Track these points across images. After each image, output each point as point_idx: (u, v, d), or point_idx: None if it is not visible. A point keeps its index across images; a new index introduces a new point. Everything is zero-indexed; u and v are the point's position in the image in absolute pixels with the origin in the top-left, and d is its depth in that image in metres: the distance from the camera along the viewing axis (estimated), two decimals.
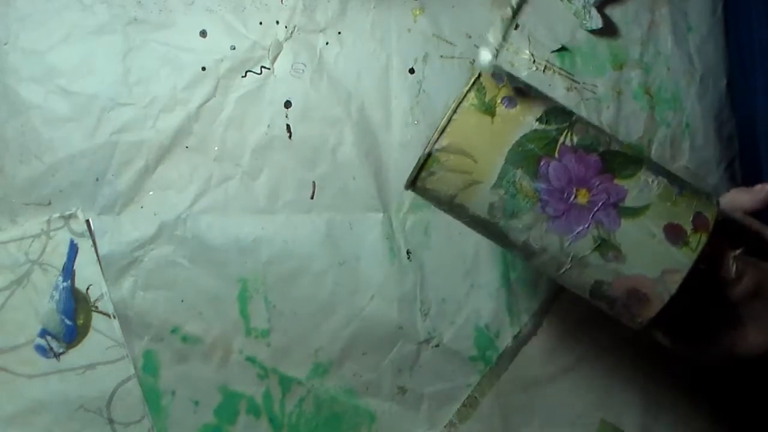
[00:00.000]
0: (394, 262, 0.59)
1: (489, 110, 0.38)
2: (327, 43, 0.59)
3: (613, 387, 0.60)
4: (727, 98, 0.66)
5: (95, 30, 0.56)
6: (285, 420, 0.57)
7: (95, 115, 0.55)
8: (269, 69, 0.58)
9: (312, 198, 0.58)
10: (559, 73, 0.63)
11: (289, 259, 0.57)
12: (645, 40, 0.65)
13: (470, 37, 0.62)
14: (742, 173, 0.66)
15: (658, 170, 0.39)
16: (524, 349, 0.60)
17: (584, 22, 0.63)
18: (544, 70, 0.63)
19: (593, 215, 0.37)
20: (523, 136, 0.37)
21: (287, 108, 0.58)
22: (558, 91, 0.63)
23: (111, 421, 0.54)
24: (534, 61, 0.62)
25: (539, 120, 0.38)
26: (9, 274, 0.54)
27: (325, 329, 0.58)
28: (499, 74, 0.39)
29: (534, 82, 0.62)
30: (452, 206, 0.40)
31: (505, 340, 0.60)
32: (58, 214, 0.55)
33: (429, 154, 0.39)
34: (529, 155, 0.37)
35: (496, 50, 0.40)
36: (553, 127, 0.38)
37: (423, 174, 0.39)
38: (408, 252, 0.59)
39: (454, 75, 0.61)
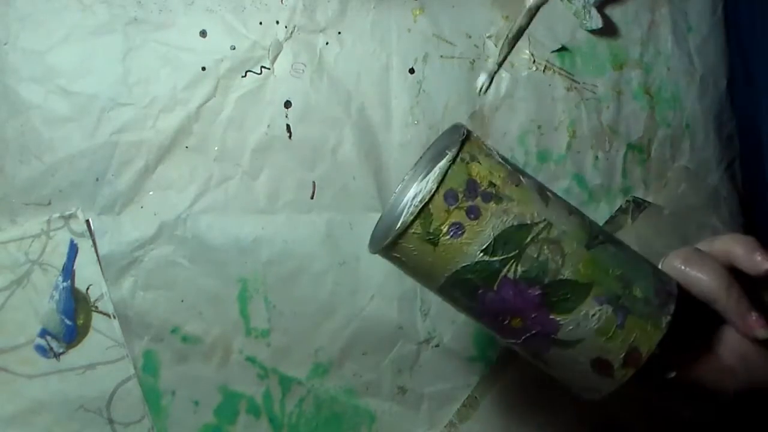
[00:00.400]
0: None
1: (432, 240, 0.36)
2: (327, 43, 0.59)
3: None
4: (727, 98, 0.66)
5: (95, 30, 0.56)
6: (285, 420, 0.57)
7: (95, 115, 0.55)
8: (269, 69, 0.58)
9: (312, 198, 0.58)
10: (559, 73, 0.63)
11: (289, 259, 0.57)
12: (645, 40, 0.65)
13: (470, 37, 0.62)
14: (742, 173, 0.66)
15: (612, 293, 0.37)
16: None
17: (584, 22, 0.63)
18: (544, 70, 0.63)
19: (524, 338, 0.37)
20: (464, 266, 0.36)
21: (287, 108, 0.58)
22: (558, 91, 0.63)
23: (111, 421, 0.54)
24: (534, 61, 0.62)
25: (485, 250, 0.36)
26: (9, 274, 0.54)
27: (325, 329, 0.58)
28: (453, 193, 0.36)
29: (534, 82, 0.62)
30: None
31: None
32: (58, 214, 0.55)
33: (381, 252, 0.38)
34: (466, 283, 0.37)
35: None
36: (498, 257, 0.36)
37: (384, 256, 0.39)
38: None
39: (454, 75, 0.61)
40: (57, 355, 0.54)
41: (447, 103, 0.60)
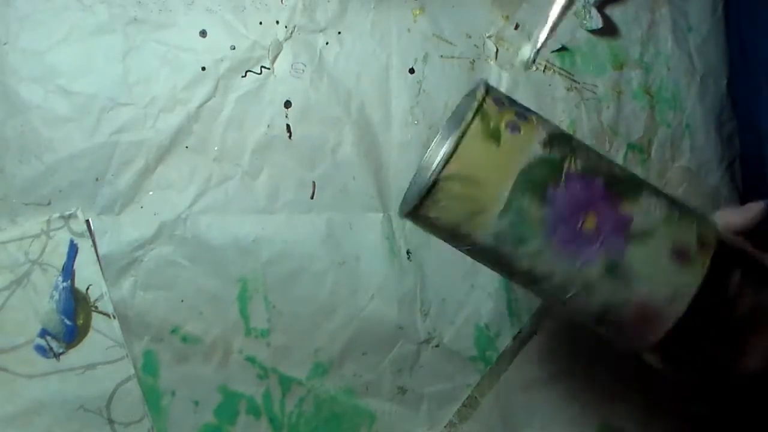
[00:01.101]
0: (394, 262, 0.58)
1: (495, 136, 0.36)
2: (327, 43, 0.59)
3: (614, 387, 0.60)
4: (727, 98, 0.66)
5: (95, 30, 0.56)
6: (285, 420, 0.57)
7: (95, 115, 0.55)
8: (269, 69, 0.58)
9: (312, 198, 0.58)
10: (559, 73, 0.63)
11: (289, 259, 0.57)
12: (645, 40, 0.65)
13: (470, 37, 0.62)
14: (743, 173, 0.66)
15: (658, 193, 0.38)
16: (524, 349, 0.60)
17: (584, 22, 0.63)
18: (544, 70, 0.63)
19: (601, 241, 0.36)
20: (530, 162, 0.36)
21: (287, 108, 0.58)
22: (558, 91, 0.63)
23: (111, 421, 0.54)
24: (534, 60, 0.62)
25: (543, 145, 0.37)
26: (9, 274, 0.54)
27: (325, 329, 0.58)
28: (498, 98, 0.38)
29: (534, 82, 0.62)
30: (454, 235, 0.38)
31: (505, 340, 0.60)
32: (58, 214, 0.55)
33: (435, 182, 0.36)
34: (536, 182, 0.36)
35: (534, 57, 0.39)
36: (557, 153, 0.37)
37: (427, 203, 0.37)
38: (408, 252, 0.59)
39: (454, 75, 0.61)
40: (57, 355, 0.54)
41: (447, 103, 0.60)
